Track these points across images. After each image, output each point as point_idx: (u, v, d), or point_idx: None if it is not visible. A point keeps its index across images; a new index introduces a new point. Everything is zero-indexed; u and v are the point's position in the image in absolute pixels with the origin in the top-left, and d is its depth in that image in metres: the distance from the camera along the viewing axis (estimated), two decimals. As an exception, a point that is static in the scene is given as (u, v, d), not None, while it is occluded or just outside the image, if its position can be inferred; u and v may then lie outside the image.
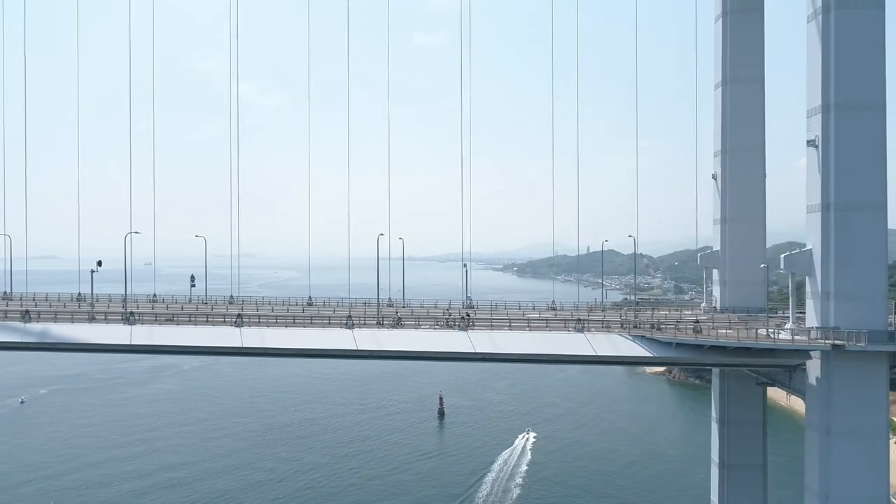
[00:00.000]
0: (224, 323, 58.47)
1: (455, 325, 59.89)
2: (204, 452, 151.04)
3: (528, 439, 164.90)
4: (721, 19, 71.24)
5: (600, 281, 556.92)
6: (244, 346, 57.61)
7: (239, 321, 58.93)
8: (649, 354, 52.14)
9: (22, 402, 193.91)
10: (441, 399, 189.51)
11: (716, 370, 70.94)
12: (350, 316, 61.48)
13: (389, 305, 75.74)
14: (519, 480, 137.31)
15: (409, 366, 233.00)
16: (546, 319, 61.04)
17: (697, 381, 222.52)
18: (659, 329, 54.39)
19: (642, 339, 53.28)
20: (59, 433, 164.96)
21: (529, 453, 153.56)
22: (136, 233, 76.71)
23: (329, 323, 61.78)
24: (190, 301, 72.40)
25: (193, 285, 72.39)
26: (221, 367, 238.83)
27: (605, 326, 56.45)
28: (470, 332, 57.50)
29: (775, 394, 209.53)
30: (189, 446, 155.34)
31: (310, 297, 77.11)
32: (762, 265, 68.31)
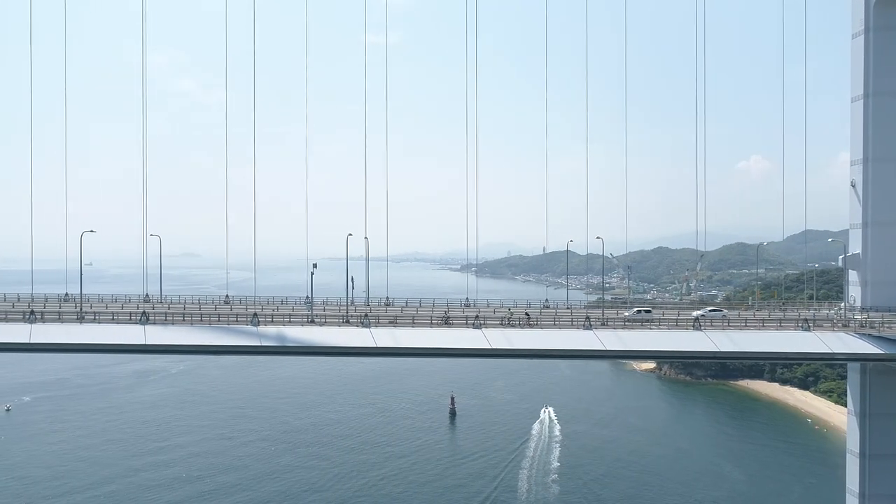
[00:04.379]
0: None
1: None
2: (228, 461, 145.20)
3: (549, 414, 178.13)
4: (863, 35, 75.35)
5: (560, 281, 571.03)
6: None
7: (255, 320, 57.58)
8: (879, 351, 55.44)
9: (8, 409, 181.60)
10: (453, 399, 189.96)
11: (853, 365, 74.67)
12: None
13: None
14: (555, 476, 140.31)
15: (407, 367, 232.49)
16: (761, 319, 63.70)
17: (688, 378, 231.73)
18: (871, 327, 57.87)
19: (869, 336, 56.53)
20: (61, 444, 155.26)
21: (557, 448, 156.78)
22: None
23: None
24: (353, 302, 70.38)
25: (353, 287, 70.28)
26: (210, 370, 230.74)
27: (819, 325, 59.52)
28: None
29: (760, 386, 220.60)
30: (217, 461, 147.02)
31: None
32: None
